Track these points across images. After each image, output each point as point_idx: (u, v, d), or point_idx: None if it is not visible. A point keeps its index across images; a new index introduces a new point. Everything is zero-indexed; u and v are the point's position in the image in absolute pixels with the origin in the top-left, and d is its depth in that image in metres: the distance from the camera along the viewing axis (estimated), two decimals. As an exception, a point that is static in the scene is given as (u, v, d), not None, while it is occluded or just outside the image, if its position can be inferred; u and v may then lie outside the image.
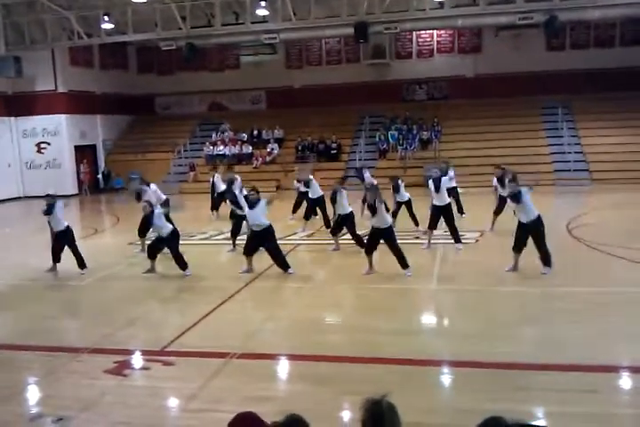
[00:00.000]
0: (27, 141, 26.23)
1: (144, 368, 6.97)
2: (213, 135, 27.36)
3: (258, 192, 10.91)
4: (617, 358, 6.67)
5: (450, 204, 12.33)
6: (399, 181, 13.63)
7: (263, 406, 5.23)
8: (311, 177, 14.83)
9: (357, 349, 7.18)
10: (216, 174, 17.68)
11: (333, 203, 12.30)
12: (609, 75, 24.72)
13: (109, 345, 7.63)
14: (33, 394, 6.48)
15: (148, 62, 30.40)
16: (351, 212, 12.24)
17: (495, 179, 13.21)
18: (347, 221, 12.25)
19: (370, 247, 10.53)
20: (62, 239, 11.36)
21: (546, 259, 9.88)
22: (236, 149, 26.32)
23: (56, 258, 11.53)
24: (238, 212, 12.09)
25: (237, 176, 14.84)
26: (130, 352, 7.40)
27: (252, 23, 21.88)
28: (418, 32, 27.20)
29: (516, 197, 9.74)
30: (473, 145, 23.96)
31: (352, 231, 12.26)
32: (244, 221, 12.06)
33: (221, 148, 26.51)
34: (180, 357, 7.15)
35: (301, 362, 7.04)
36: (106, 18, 21.68)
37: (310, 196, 14.64)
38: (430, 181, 12.23)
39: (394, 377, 6.22)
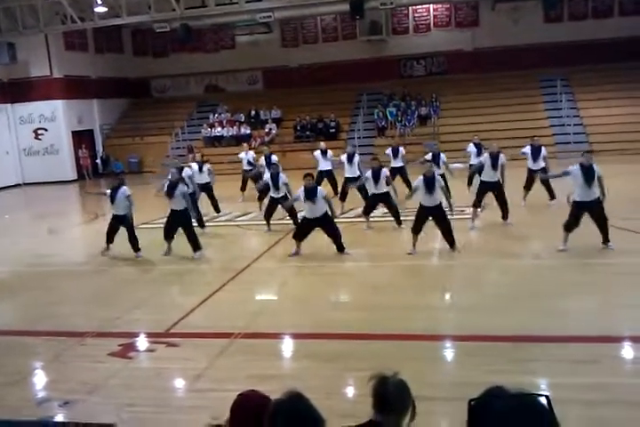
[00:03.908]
0: (24, 128, 26.09)
1: (149, 350, 7.03)
2: (211, 117, 27.24)
3: (313, 177, 10.69)
4: (619, 329, 6.71)
5: (499, 181, 11.82)
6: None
7: (269, 384, 5.24)
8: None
9: (361, 326, 7.21)
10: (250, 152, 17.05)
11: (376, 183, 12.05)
12: (608, 45, 24.46)
13: (114, 328, 7.69)
14: (39, 379, 6.55)
15: (144, 45, 30.17)
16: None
17: (529, 147, 13.26)
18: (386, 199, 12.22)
19: (418, 225, 10.24)
20: (119, 223, 11.28)
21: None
22: (233, 131, 26.21)
23: (110, 239, 11.41)
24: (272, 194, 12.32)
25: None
26: (134, 335, 7.46)
27: (247, 2, 21.60)
28: (414, 7, 26.89)
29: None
30: (472, 120, 23.79)
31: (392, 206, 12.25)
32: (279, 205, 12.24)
33: (219, 129, 26.41)
34: (184, 338, 7.21)
35: (306, 340, 7.09)
36: (99, 1, 21.44)
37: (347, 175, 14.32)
38: (488, 157, 11.81)
39: (397, 352, 6.26)
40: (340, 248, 10.47)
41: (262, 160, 15.25)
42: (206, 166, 14.22)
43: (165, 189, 10.98)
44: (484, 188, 11.89)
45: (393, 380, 2.72)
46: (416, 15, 27.61)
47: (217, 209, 14.60)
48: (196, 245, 10.95)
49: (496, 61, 25.72)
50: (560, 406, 1.69)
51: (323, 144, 16.10)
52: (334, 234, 10.44)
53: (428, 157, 13.56)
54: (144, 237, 11.70)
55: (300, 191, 10.45)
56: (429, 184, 10.02)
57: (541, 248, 10.36)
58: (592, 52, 24.48)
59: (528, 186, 13.44)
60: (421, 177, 10.19)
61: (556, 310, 7.26)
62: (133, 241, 11.26)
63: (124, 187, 11.26)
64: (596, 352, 6.02)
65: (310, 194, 10.23)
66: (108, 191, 11.38)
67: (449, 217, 10.29)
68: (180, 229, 11.13)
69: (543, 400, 1.65)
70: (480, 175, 12.22)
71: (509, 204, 11.91)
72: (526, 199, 13.42)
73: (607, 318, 6.95)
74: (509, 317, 7.12)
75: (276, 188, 12.23)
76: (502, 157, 11.79)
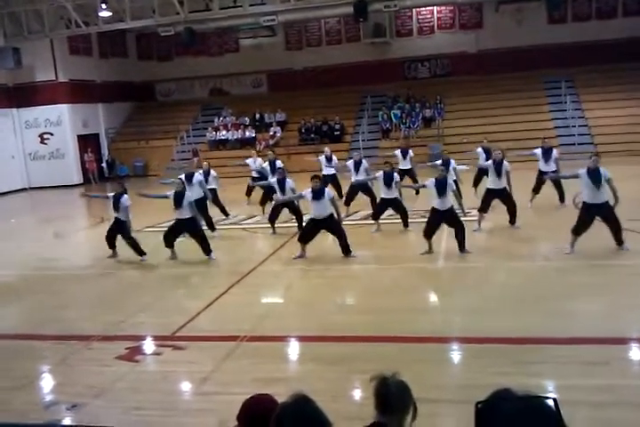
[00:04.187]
0: (29, 132, 26.15)
1: (155, 353, 7.04)
2: (215, 120, 27.28)
3: (320, 179, 10.77)
4: (628, 330, 6.69)
5: (505, 188, 11.73)
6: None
7: (275, 387, 5.25)
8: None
9: (367, 328, 7.21)
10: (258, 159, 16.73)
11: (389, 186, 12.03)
12: (612, 46, 24.38)
13: (120, 332, 7.69)
14: (47, 382, 6.56)
15: (148, 49, 30.23)
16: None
17: (540, 149, 13.24)
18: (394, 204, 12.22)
19: (431, 230, 10.25)
20: (118, 229, 11.36)
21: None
22: (238, 134, 26.23)
23: (111, 244, 11.55)
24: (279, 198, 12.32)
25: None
26: (141, 338, 7.46)
27: (251, 6, 21.66)
28: (418, 9, 26.89)
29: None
30: (476, 122, 23.77)
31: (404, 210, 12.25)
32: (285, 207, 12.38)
33: (224, 133, 26.44)
34: (190, 341, 7.21)
35: (312, 343, 7.08)
36: (103, 5, 21.49)
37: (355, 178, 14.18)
38: (491, 164, 11.76)
39: (403, 355, 6.25)
40: (347, 251, 10.45)
41: (266, 165, 15.24)
42: (211, 174, 14.27)
43: (172, 199, 10.99)
44: (491, 195, 11.83)
45: (393, 380, 2.77)
46: (420, 17, 27.61)
47: (225, 213, 14.62)
48: (207, 250, 11.00)
49: (500, 63, 25.69)
50: (567, 408, 1.69)
51: (327, 149, 16.07)
52: (340, 235, 10.44)
53: (439, 162, 13.51)
54: (150, 241, 11.74)
55: (306, 191, 10.47)
56: (441, 188, 10.07)
57: (549, 250, 10.32)
58: (596, 53, 24.42)
59: (537, 188, 13.41)
60: (433, 179, 10.23)
61: (563, 312, 7.24)
62: (135, 246, 11.32)
63: (126, 196, 11.34)
64: (605, 354, 5.99)
65: (318, 195, 10.26)
66: (111, 195, 11.45)
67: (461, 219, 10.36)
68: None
69: (551, 403, 1.65)
70: (487, 176, 12.21)
71: (517, 207, 11.86)
72: (533, 202, 13.39)
73: (616, 320, 6.92)
74: (516, 319, 7.10)
75: (283, 193, 12.22)
76: (506, 164, 11.72)
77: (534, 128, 22.59)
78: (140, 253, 11.33)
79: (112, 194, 11.49)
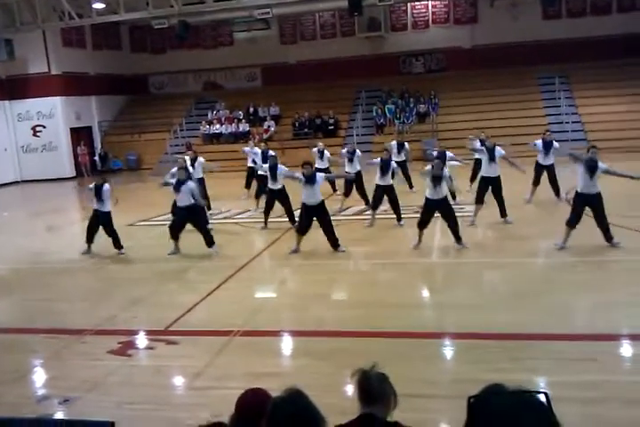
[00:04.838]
0: (22, 125, 26.03)
1: (148, 348, 7.02)
2: (209, 114, 27.20)
3: (312, 166, 10.80)
4: (618, 327, 6.71)
5: (499, 177, 11.79)
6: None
7: (268, 381, 5.24)
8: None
9: (360, 323, 7.23)
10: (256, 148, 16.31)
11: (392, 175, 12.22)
12: (606, 42, 24.46)
13: (113, 326, 7.68)
14: (39, 376, 6.54)
15: (141, 41, 30.11)
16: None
17: (541, 142, 13.26)
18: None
19: (425, 220, 10.28)
20: (101, 221, 11.30)
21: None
22: (232, 128, 26.17)
23: (90, 239, 11.45)
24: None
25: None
26: (133, 332, 7.45)
27: (245, -2, 21.60)
28: (412, 3, 26.86)
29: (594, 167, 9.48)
30: (471, 117, 23.76)
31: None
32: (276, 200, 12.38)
33: (218, 126, 26.37)
34: (183, 336, 7.20)
35: (305, 338, 7.08)
36: (96, -3, 21.40)
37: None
38: (484, 150, 11.82)
39: (396, 350, 6.26)
40: (335, 245, 10.46)
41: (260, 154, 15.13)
42: (198, 160, 14.09)
43: (173, 186, 10.93)
44: (485, 183, 11.86)
45: (373, 373, 2.88)
46: (414, 12, 27.57)
47: (208, 206, 14.52)
48: (209, 241, 10.91)
49: (494, 58, 25.69)
50: (558, 403, 1.70)
51: (321, 144, 15.92)
52: (326, 226, 10.40)
53: (435, 154, 13.49)
54: (142, 235, 11.70)
55: (299, 173, 10.48)
56: (436, 178, 10.04)
57: (542, 246, 10.35)
58: (590, 49, 24.48)
59: (536, 181, 13.44)
60: (430, 167, 10.23)
61: (555, 308, 7.26)
62: (115, 239, 11.29)
63: (107, 184, 11.28)
64: (595, 350, 6.02)
65: (310, 180, 10.27)
66: (92, 186, 11.39)
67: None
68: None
69: (542, 398, 1.66)
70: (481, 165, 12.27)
71: (514, 200, 11.87)
72: (533, 195, 13.43)
73: (607, 316, 6.95)
74: (508, 314, 7.12)
75: (275, 179, 12.18)
76: (499, 149, 11.74)
77: (528, 124, 22.63)
78: (119, 246, 11.32)
79: (92, 185, 11.40)
